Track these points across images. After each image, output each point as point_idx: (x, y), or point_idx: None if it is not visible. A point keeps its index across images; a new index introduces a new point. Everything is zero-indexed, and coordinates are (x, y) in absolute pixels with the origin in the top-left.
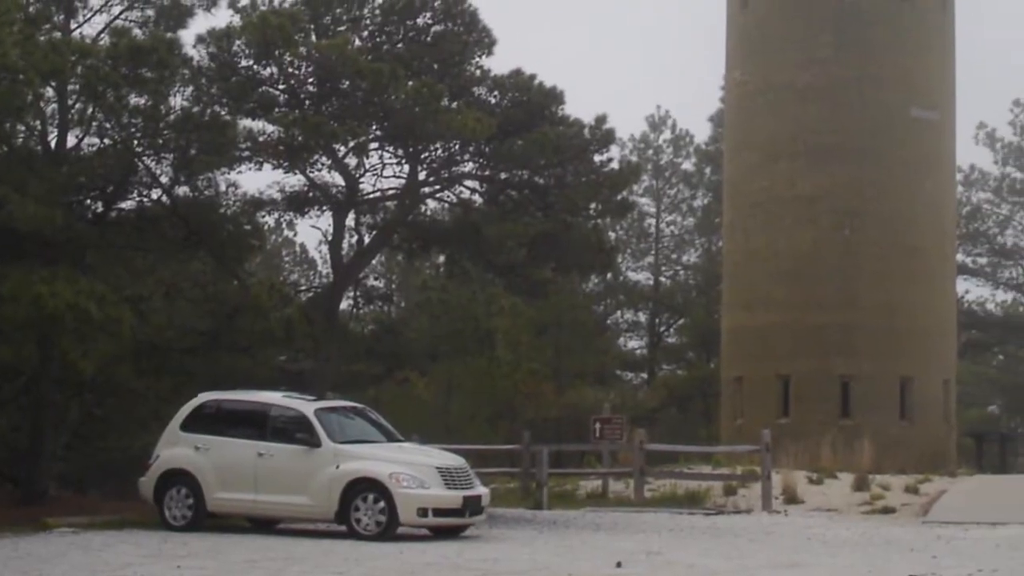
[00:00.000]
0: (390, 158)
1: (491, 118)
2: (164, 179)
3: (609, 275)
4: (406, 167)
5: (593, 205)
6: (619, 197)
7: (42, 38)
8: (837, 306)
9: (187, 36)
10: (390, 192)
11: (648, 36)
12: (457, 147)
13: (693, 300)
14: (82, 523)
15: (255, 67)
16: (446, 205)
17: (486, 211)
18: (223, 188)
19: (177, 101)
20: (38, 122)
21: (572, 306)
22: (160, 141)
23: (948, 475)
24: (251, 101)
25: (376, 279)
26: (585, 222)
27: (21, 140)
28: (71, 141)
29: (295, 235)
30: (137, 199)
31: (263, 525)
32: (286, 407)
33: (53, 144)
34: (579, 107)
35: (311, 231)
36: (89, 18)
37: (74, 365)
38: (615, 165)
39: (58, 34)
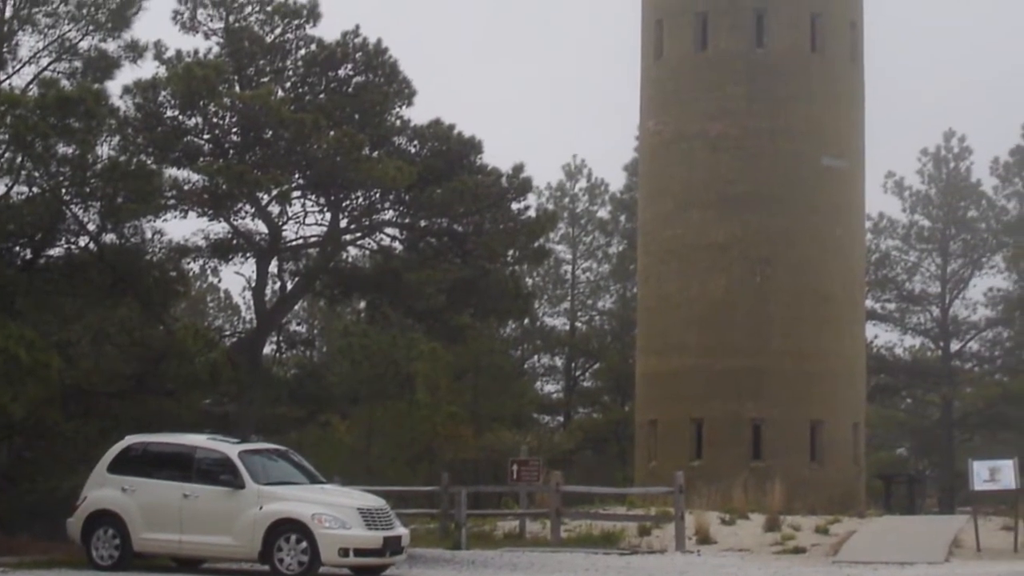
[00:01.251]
0: (312, 206)
1: (411, 167)
2: (91, 226)
3: (526, 320)
4: (328, 215)
5: (511, 252)
6: (536, 244)
7: None
8: (749, 351)
9: (114, 87)
10: (312, 239)
11: (564, 87)
12: (378, 195)
13: (608, 345)
14: (11, 563)
15: (180, 117)
16: (367, 252)
17: (406, 258)
18: (149, 235)
19: (104, 150)
20: None
21: (490, 351)
22: (87, 189)
23: (857, 516)
24: (176, 150)
25: (298, 324)
26: (503, 269)
27: None
28: (0, 189)
29: (219, 281)
30: (65, 246)
31: (188, 565)
32: (211, 449)
33: None
34: (497, 156)
35: (235, 277)
36: (18, 69)
37: (3, 408)
38: (532, 213)
39: None
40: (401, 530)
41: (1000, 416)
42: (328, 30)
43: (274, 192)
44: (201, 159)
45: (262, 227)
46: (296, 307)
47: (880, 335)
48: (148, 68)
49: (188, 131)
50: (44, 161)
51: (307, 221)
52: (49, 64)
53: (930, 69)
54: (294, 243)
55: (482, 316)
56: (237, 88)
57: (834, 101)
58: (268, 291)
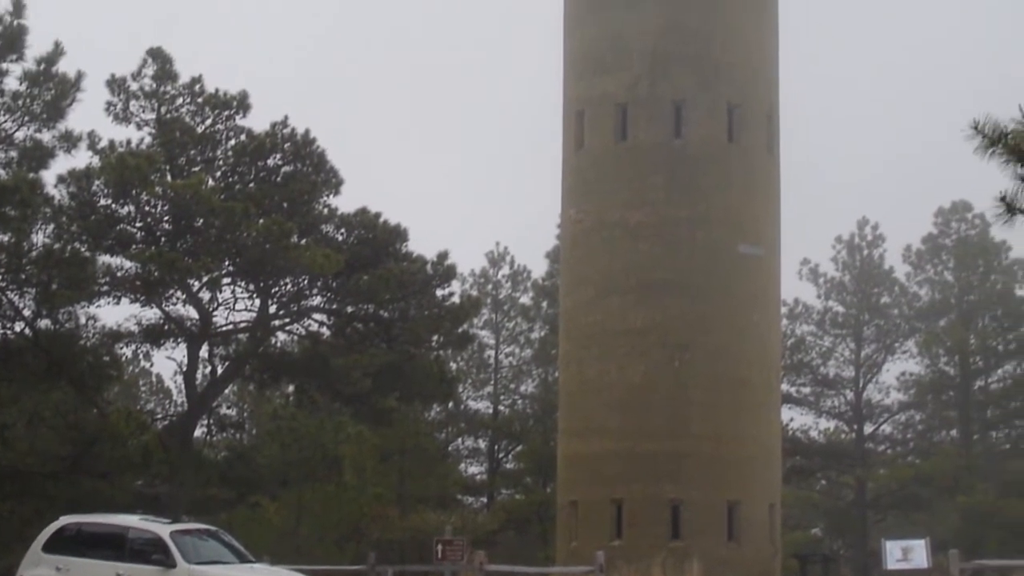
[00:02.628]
0: (242, 292)
1: (338, 254)
2: (27, 312)
3: (451, 404)
4: (257, 301)
5: (435, 337)
6: (460, 330)
7: None
8: (667, 434)
9: (49, 176)
10: (242, 325)
11: (488, 176)
12: (306, 282)
13: (530, 428)
14: None
15: (114, 205)
16: (296, 337)
17: (334, 343)
18: (83, 321)
19: (39, 238)
20: None
21: (415, 433)
22: (23, 276)
23: None
24: (110, 238)
25: (229, 408)
26: (428, 353)
27: None
28: None
29: (151, 366)
30: (1, 331)
31: None
32: (143, 530)
33: None
34: (422, 243)
35: (167, 362)
36: None
37: None
38: (456, 299)
39: None
40: None
41: (912, 497)
42: (258, 121)
43: (205, 279)
44: (134, 246)
45: (193, 313)
46: (226, 391)
47: (796, 418)
48: (82, 158)
49: (121, 219)
50: None
51: (237, 307)
52: None
53: (844, 159)
54: (224, 328)
55: (408, 400)
56: (169, 177)
57: (751, 190)
58: (199, 375)
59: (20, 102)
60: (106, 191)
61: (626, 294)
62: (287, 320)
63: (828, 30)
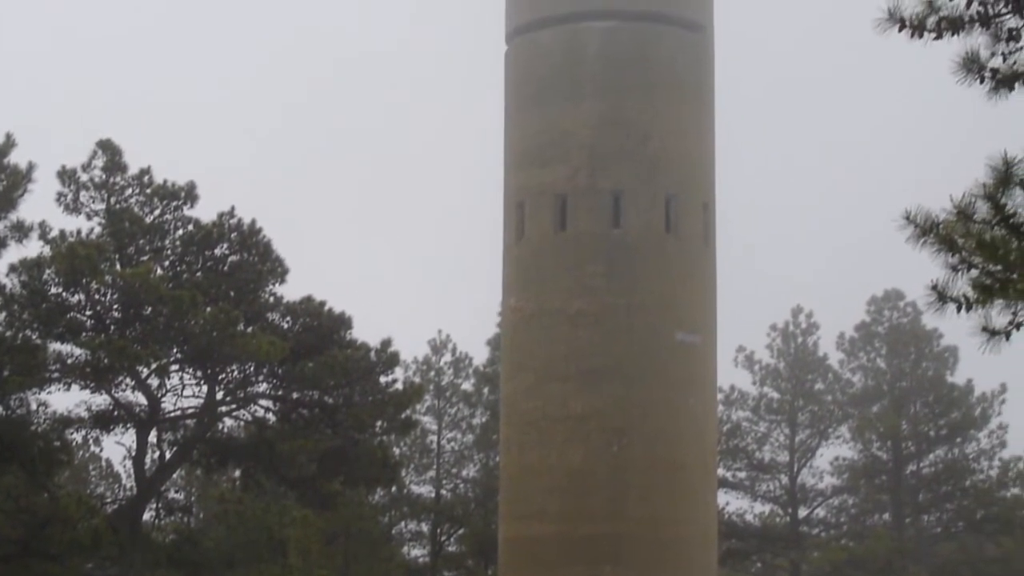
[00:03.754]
0: (190, 379)
1: (284, 342)
2: None
3: (394, 488)
4: (205, 387)
5: (379, 423)
6: (403, 415)
7: None
8: (606, 517)
9: (0, 265)
10: (190, 410)
11: (431, 266)
12: (252, 368)
13: (472, 512)
14: None
15: (64, 294)
16: (242, 423)
17: (279, 428)
18: (34, 407)
19: None
20: None
21: (359, 517)
22: None
23: None
24: (60, 326)
25: (177, 492)
26: (371, 439)
27: None
28: None
29: (101, 451)
30: None
31: None
32: None
33: None
34: (366, 331)
35: (116, 447)
36: None
37: None
38: (399, 386)
39: None
40: None
41: None
42: (205, 211)
43: (153, 366)
44: (84, 334)
45: (142, 399)
46: (174, 475)
47: (731, 502)
48: (33, 247)
49: (71, 307)
50: None
51: (185, 393)
52: None
53: (780, 248)
54: (172, 414)
55: (352, 484)
56: (118, 266)
57: (688, 279)
58: (148, 460)
59: None
60: (57, 280)
61: (566, 380)
62: (234, 406)
63: (765, 123)
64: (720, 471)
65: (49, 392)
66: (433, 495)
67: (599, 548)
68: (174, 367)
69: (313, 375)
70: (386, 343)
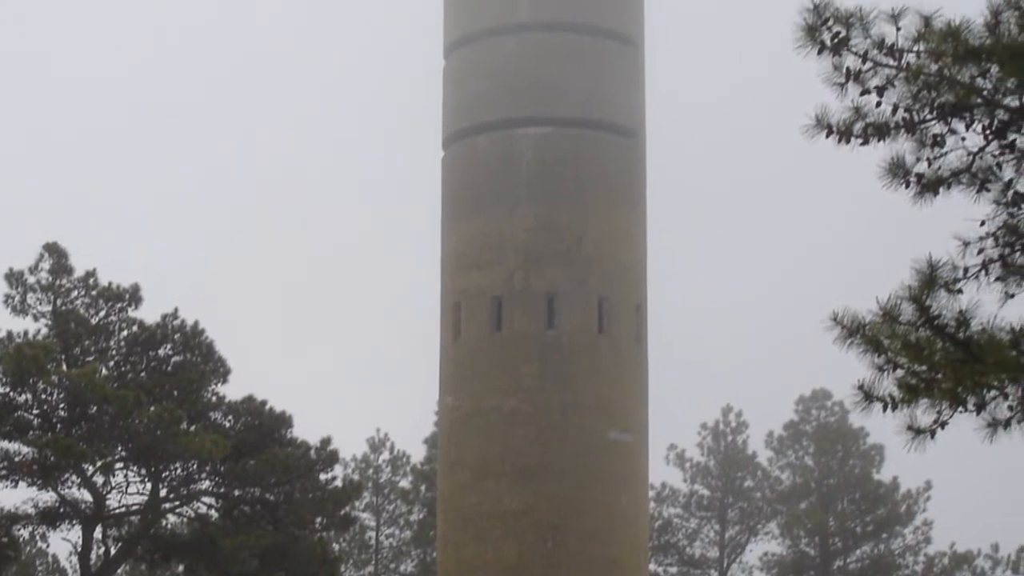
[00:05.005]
0: (134, 476)
1: (226, 440)
2: None
3: None
4: (149, 484)
5: (319, 519)
6: (342, 512)
7: None
8: None
9: None
10: (134, 507)
11: (370, 366)
12: (195, 466)
13: None
14: None
15: (11, 394)
16: (185, 519)
17: (222, 525)
18: None
19: None
20: None
21: None
22: None
23: None
24: (8, 424)
25: None
26: (311, 535)
27: None
28: None
29: (48, 546)
30: None
31: None
32: None
33: None
34: (306, 430)
35: (62, 543)
36: None
37: None
38: (339, 483)
39: None
40: None
41: None
42: (149, 312)
43: (99, 463)
44: (31, 432)
45: (87, 496)
46: (119, 571)
47: None
48: None
49: (19, 406)
50: None
51: (129, 490)
52: None
53: (710, 348)
54: (117, 511)
55: None
56: (64, 367)
57: (620, 379)
58: (93, 556)
59: None
60: (4, 380)
61: (501, 478)
62: (177, 503)
63: (697, 226)
64: (652, 567)
65: None
66: None
67: None
68: (119, 465)
69: (255, 472)
70: (326, 441)
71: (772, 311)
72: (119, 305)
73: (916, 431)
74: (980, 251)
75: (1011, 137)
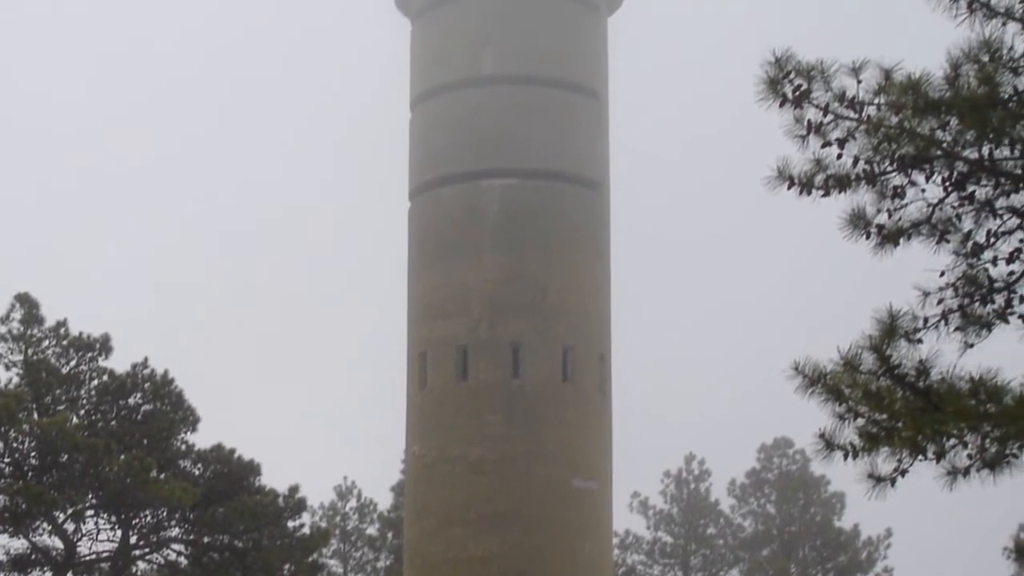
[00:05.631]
0: (105, 524)
1: (195, 488)
2: None
3: None
4: (119, 532)
5: (287, 566)
6: (310, 559)
7: None
8: None
9: None
10: (104, 554)
11: (337, 414)
12: (165, 514)
13: None
14: None
15: None
16: (155, 566)
17: (191, 572)
18: None
19: None
20: None
21: None
22: None
23: None
24: None
25: None
26: None
27: None
28: None
29: None
30: None
31: None
32: None
33: None
34: (274, 477)
35: None
36: None
37: None
38: (307, 530)
39: None
40: None
41: None
42: (119, 361)
43: (69, 511)
44: (2, 480)
45: (58, 543)
46: None
47: None
48: None
49: None
50: None
51: (100, 537)
52: None
53: (673, 397)
54: (88, 558)
55: None
56: (36, 415)
57: (584, 427)
58: None
59: None
60: None
61: (467, 525)
62: (147, 550)
63: (660, 276)
64: None
65: None
66: None
67: None
68: (89, 512)
69: (224, 520)
70: (294, 489)
71: (735, 360)
72: (90, 355)
73: (877, 479)
74: (940, 301)
75: (970, 189)
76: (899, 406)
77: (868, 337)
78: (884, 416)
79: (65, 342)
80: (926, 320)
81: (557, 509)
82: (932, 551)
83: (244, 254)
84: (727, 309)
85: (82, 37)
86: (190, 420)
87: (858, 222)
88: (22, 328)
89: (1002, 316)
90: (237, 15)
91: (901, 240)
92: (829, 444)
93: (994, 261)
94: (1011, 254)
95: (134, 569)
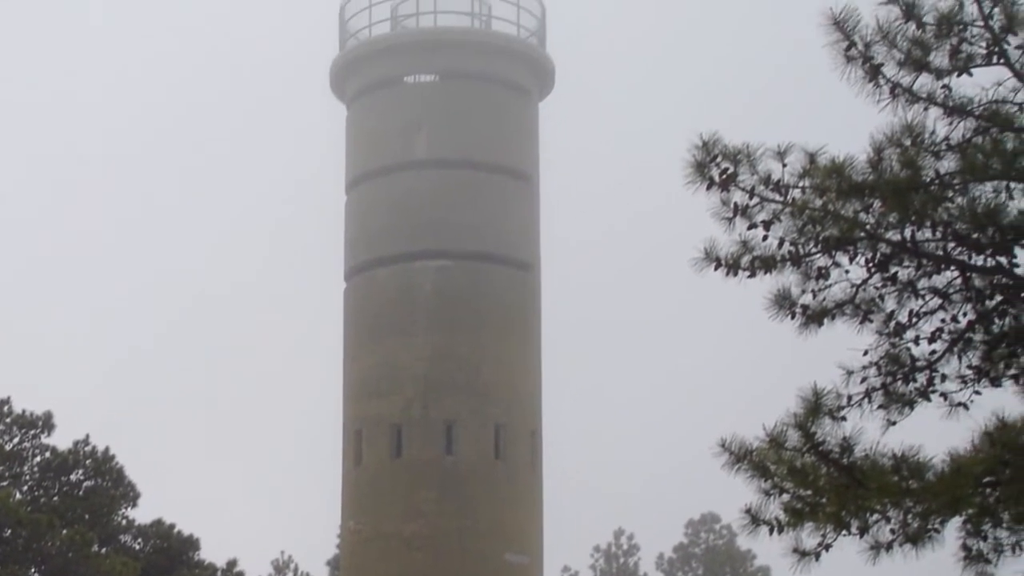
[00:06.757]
0: None
1: (135, 562)
2: None
3: None
4: None
5: None
6: None
7: None
8: None
9: None
10: None
11: (274, 490)
12: None
13: None
14: None
15: None
16: None
17: None
18: None
19: None
20: None
21: None
22: None
23: None
24: None
25: None
26: None
27: None
28: None
29: None
30: None
31: None
32: None
33: None
34: (213, 552)
35: None
36: None
37: None
38: None
39: None
40: None
41: None
42: (61, 439)
43: None
44: None
45: None
46: None
47: None
48: None
49: None
50: None
51: None
52: None
53: (603, 473)
54: None
55: None
56: None
57: (516, 502)
58: None
59: None
60: None
61: None
62: None
63: (589, 355)
64: None
65: None
66: None
67: None
68: None
69: None
70: (232, 563)
71: (663, 437)
72: (32, 432)
73: (802, 553)
74: (863, 380)
75: (893, 270)
76: (823, 482)
77: (793, 415)
78: (809, 492)
79: (8, 420)
80: (850, 398)
81: None
82: None
83: (183, 332)
84: (655, 387)
85: (26, 122)
86: (130, 496)
87: (783, 302)
88: None
89: (924, 394)
90: (174, 98)
91: (825, 320)
92: (755, 519)
93: (916, 340)
94: (933, 334)
95: None
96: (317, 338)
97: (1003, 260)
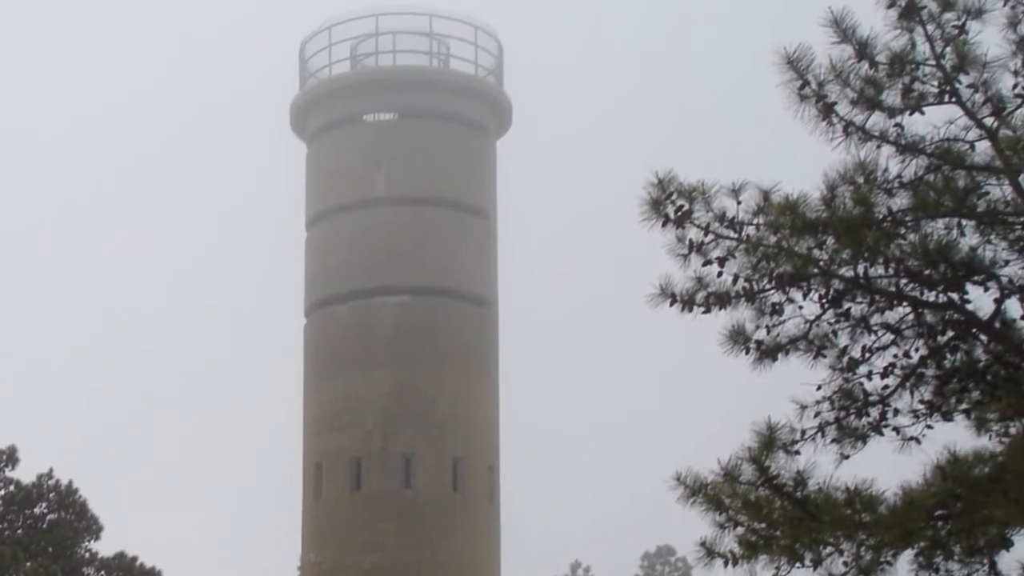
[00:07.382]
0: None
1: None
2: None
3: None
4: None
5: None
6: None
7: None
8: None
9: None
10: None
11: (235, 522)
12: None
13: None
14: None
15: None
16: None
17: None
18: None
19: None
20: None
21: None
22: None
23: None
24: None
25: None
26: None
27: None
28: None
29: None
30: None
31: None
32: None
33: None
34: None
35: None
36: None
37: None
38: None
39: None
40: None
41: None
42: (25, 472)
43: None
44: None
45: None
46: None
47: None
48: None
49: None
50: None
51: None
52: None
53: (559, 506)
54: None
55: None
56: None
57: (474, 535)
58: None
59: None
60: None
61: None
62: None
63: (547, 389)
64: None
65: None
66: None
67: None
68: None
69: None
70: None
71: (619, 471)
72: None
73: None
74: (817, 414)
75: (846, 306)
76: (777, 515)
77: (747, 449)
78: (763, 525)
79: None
80: (803, 432)
81: None
82: None
83: (146, 367)
84: (612, 421)
85: None
86: (93, 529)
87: (738, 338)
88: None
89: (877, 428)
90: (133, 135)
91: (779, 355)
92: (710, 552)
93: (869, 375)
94: (885, 369)
95: None
96: (278, 373)
97: (955, 296)
